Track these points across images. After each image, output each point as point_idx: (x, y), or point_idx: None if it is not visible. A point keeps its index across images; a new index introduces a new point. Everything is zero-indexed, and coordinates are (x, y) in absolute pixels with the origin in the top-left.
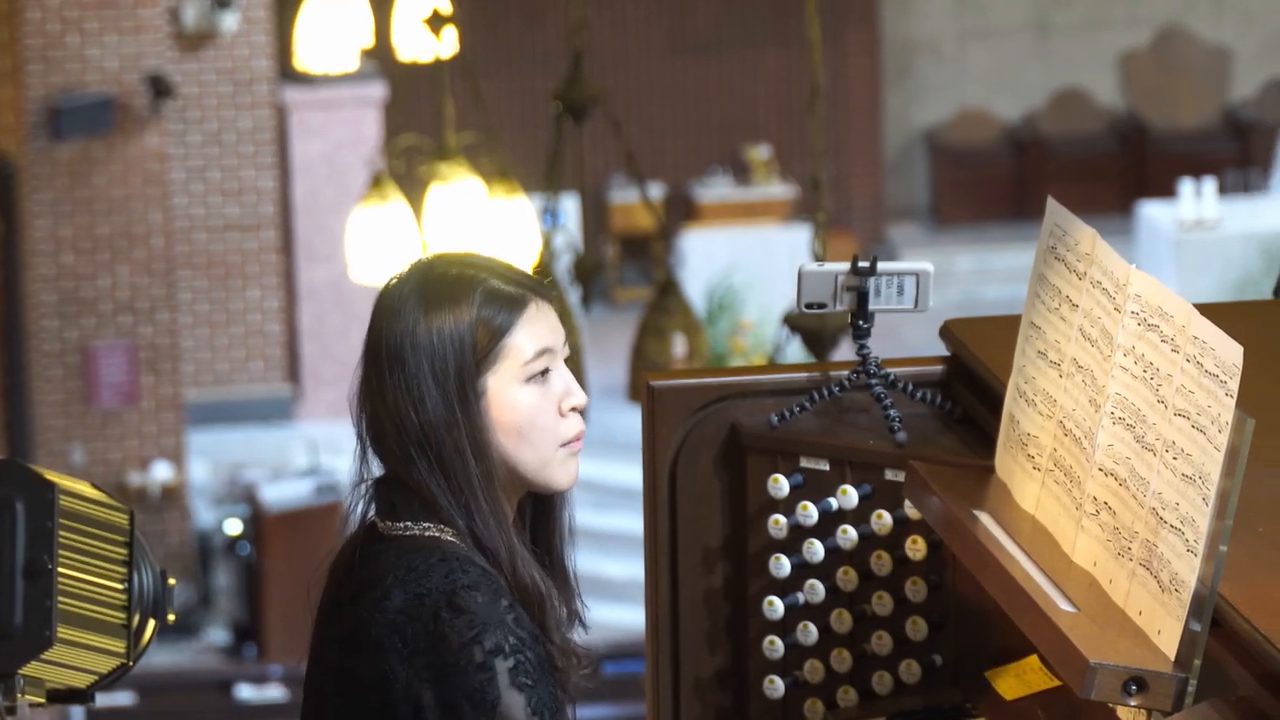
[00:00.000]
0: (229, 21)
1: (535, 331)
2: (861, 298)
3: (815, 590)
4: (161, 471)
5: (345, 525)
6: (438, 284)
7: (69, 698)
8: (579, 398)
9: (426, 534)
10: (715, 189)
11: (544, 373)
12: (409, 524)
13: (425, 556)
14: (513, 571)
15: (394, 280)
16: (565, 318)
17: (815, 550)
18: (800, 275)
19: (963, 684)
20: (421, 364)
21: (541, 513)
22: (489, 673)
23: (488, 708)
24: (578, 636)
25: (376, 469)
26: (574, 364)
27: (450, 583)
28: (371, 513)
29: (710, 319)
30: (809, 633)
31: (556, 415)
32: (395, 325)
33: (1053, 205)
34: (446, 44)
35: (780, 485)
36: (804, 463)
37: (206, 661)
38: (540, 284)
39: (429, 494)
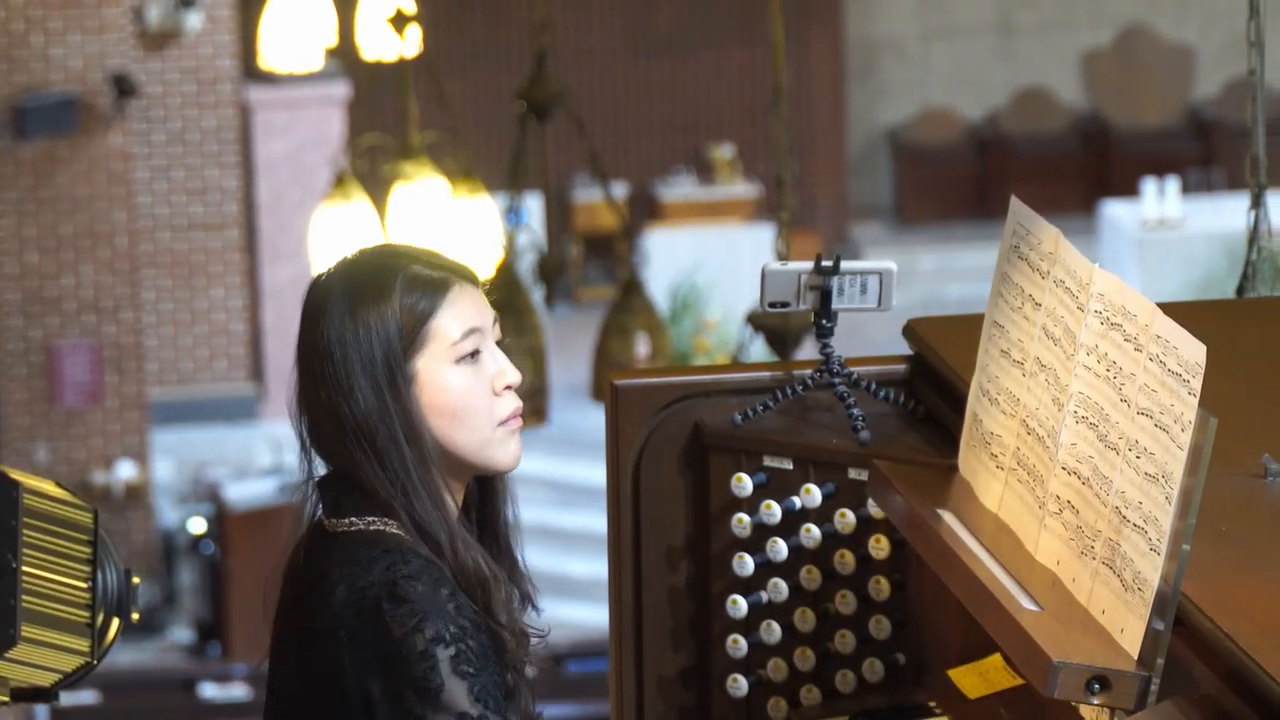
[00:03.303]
0: (193, 21)
1: (460, 312)
2: (825, 297)
3: (779, 589)
4: (125, 470)
5: (296, 527)
6: (360, 277)
7: (33, 696)
8: (512, 376)
9: (371, 528)
10: (679, 188)
11: (474, 354)
12: (354, 519)
13: (369, 550)
14: (454, 555)
15: (319, 279)
16: (529, 317)
17: (779, 549)
18: (764, 274)
19: (926, 683)
20: (349, 357)
21: (485, 501)
22: (431, 661)
23: (432, 695)
24: (531, 617)
25: (320, 471)
26: (538, 362)
27: (391, 574)
28: (319, 513)
29: (674, 318)
30: (772, 631)
31: (490, 395)
32: (322, 323)
33: (1016, 204)
34: (410, 43)
35: (744, 484)
36: (767, 461)
37: (170, 660)
38: (464, 267)
39: (369, 485)
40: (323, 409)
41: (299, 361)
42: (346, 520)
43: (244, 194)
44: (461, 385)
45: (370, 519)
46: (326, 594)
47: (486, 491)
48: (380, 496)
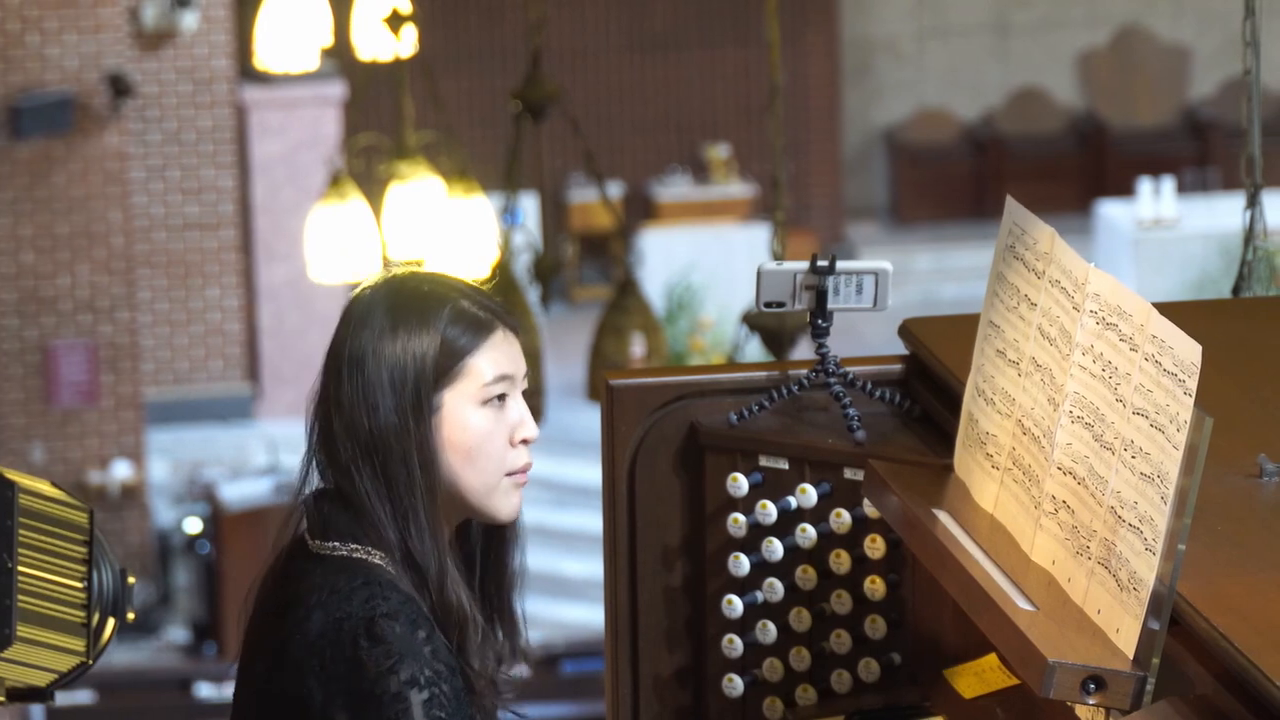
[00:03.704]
0: (189, 20)
1: (497, 357)
2: (820, 296)
3: (774, 589)
4: (121, 470)
5: (280, 535)
6: (408, 298)
7: (29, 696)
8: (531, 430)
9: (354, 555)
10: (674, 188)
11: (501, 398)
12: (337, 544)
13: (349, 579)
14: (440, 589)
15: (364, 291)
16: (525, 317)
17: (774, 549)
18: (759, 274)
19: (921, 682)
20: (381, 372)
21: (493, 549)
22: (404, 704)
23: None
24: (511, 666)
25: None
26: (533, 363)
27: (370, 609)
28: (303, 527)
29: (669, 318)
30: (768, 631)
31: (507, 443)
32: (361, 333)
33: (1011, 204)
34: (406, 43)
35: (739, 484)
36: (763, 461)
37: (166, 660)
38: (509, 313)
39: (367, 504)
40: (341, 417)
41: (328, 365)
42: (330, 544)
43: (240, 194)
44: (482, 427)
45: (354, 545)
46: (302, 618)
47: (496, 539)
48: (374, 520)
